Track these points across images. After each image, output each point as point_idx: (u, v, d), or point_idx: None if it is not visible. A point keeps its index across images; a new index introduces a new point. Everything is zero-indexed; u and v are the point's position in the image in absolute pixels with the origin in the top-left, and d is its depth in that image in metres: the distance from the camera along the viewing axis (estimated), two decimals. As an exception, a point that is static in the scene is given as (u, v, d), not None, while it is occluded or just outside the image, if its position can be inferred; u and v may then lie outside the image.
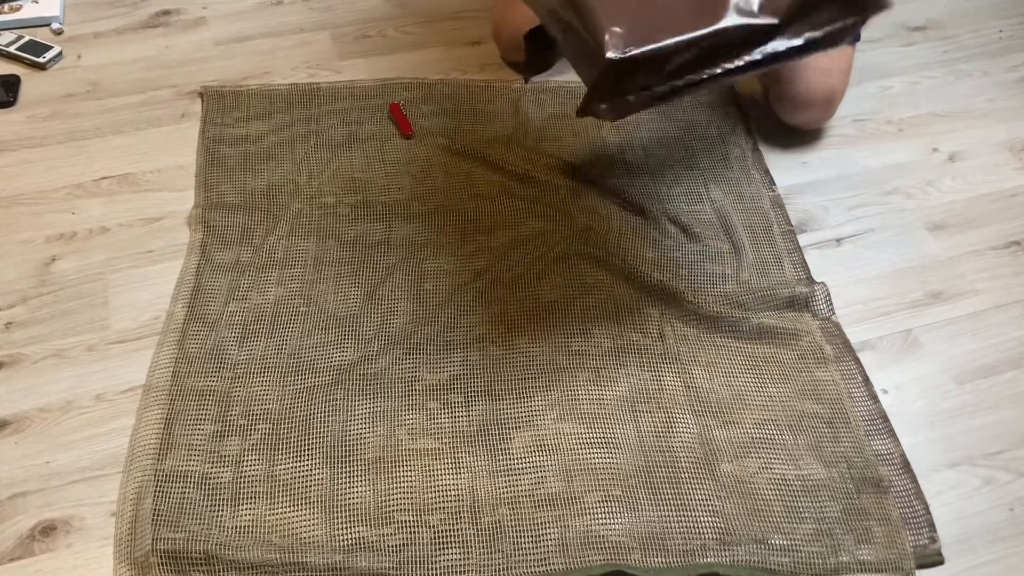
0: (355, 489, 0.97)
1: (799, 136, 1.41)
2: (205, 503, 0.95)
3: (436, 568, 0.91)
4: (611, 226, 1.25)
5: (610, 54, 0.83)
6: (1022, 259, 1.25)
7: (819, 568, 0.92)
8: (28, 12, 1.59)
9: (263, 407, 1.04)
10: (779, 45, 0.89)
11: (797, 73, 1.33)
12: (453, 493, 0.97)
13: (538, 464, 0.99)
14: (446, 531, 0.94)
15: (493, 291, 1.17)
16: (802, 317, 1.15)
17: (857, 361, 1.11)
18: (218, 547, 0.91)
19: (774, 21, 0.87)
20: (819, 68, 1.32)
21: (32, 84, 1.47)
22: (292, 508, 0.95)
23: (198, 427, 1.02)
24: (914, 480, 1.00)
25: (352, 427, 1.02)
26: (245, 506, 0.95)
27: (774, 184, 1.33)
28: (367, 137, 1.38)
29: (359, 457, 1.00)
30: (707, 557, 0.92)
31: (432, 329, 1.12)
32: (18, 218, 1.26)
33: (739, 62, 0.88)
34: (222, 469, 0.98)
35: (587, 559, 0.92)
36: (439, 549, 0.93)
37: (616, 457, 1.00)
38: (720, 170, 1.34)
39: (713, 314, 1.14)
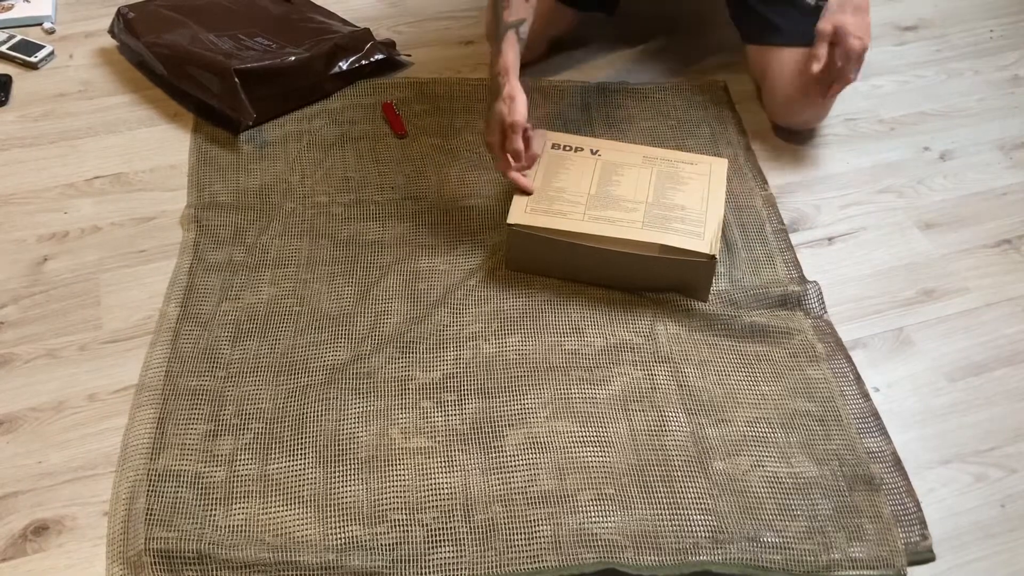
0: (348, 488, 0.97)
1: (791, 135, 1.41)
2: (198, 502, 0.95)
3: (429, 566, 0.91)
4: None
5: None
6: (1013, 257, 1.25)
7: (811, 565, 0.92)
8: (20, 11, 1.58)
9: (256, 406, 1.04)
10: None
11: (790, 75, 1.34)
12: (446, 491, 0.97)
13: (531, 462, 0.99)
14: (439, 529, 0.94)
15: (486, 290, 1.17)
16: (794, 315, 1.15)
17: (849, 359, 1.11)
18: (211, 546, 0.91)
19: None
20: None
21: (24, 83, 1.47)
22: (285, 507, 0.95)
23: (191, 426, 1.02)
24: (905, 477, 1.00)
25: (345, 426, 1.02)
26: (238, 505, 0.95)
27: (766, 183, 1.33)
28: (360, 136, 1.37)
29: (352, 456, 1.00)
30: (700, 555, 0.92)
31: (425, 328, 1.12)
32: (10, 218, 1.26)
33: None
34: (215, 468, 0.98)
35: (580, 557, 0.92)
36: (432, 547, 0.92)
37: (609, 455, 1.00)
38: (713, 169, 1.34)
39: (705, 312, 1.14)
